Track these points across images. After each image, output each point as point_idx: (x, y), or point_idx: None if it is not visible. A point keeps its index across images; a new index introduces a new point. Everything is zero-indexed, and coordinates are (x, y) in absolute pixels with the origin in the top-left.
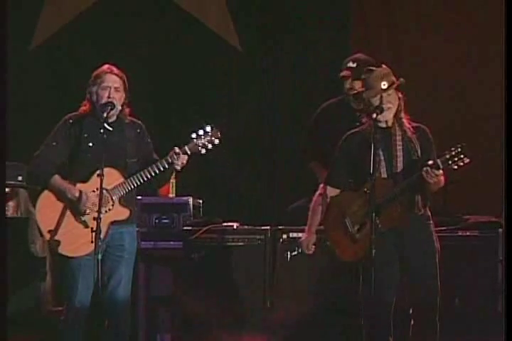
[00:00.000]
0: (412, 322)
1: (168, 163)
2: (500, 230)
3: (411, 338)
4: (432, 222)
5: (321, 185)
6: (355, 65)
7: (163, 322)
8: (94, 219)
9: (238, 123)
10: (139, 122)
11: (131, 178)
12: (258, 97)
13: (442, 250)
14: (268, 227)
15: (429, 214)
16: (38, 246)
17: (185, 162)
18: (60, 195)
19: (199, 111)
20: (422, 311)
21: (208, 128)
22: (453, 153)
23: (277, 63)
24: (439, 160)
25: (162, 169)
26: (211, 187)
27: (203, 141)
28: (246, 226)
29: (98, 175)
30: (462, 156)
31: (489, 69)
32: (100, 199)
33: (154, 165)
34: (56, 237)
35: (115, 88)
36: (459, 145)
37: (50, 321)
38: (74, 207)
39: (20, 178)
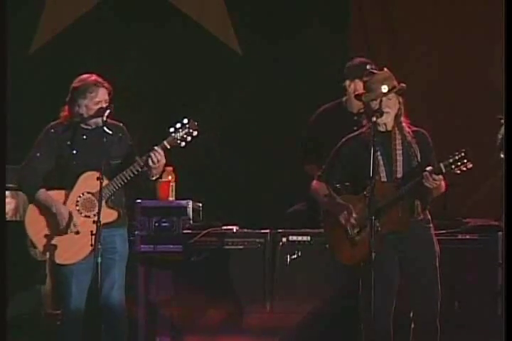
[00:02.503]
0: (413, 325)
1: (147, 160)
2: (500, 233)
3: None
4: (431, 225)
5: (314, 182)
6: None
7: (163, 325)
8: (84, 223)
9: (238, 125)
10: (121, 125)
11: (115, 179)
12: (258, 100)
13: (442, 253)
14: (268, 231)
15: (429, 217)
16: (37, 249)
17: (160, 157)
18: (45, 209)
19: (198, 114)
20: (422, 314)
21: (185, 121)
22: (456, 157)
23: (277, 66)
24: (441, 164)
25: (142, 167)
26: (211, 190)
27: (181, 133)
28: (245, 230)
29: (98, 179)
30: (465, 161)
31: (489, 72)
32: (100, 200)
33: (136, 164)
34: (48, 247)
35: (105, 101)
36: (463, 150)
37: (50, 324)
38: (59, 222)
39: None
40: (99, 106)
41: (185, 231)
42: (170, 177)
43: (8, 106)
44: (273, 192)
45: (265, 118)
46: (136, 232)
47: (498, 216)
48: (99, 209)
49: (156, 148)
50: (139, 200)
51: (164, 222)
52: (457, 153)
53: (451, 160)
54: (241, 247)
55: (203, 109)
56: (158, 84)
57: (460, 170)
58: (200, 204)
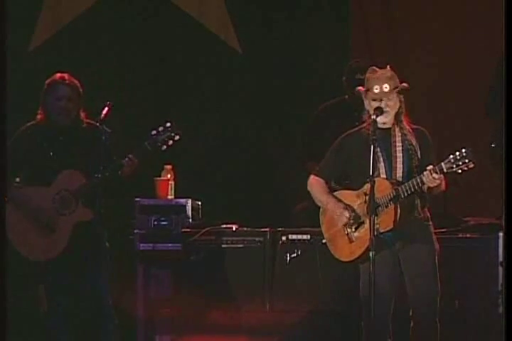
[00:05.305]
0: (412, 324)
1: (123, 162)
2: (501, 232)
3: (411, 340)
4: (431, 223)
5: (311, 177)
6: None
7: (162, 324)
8: (60, 220)
9: (238, 124)
10: (97, 124)
11: (93, 179)
12: (258, 99)
13: (442, 252)
14: (267, 229)
15: (429, 215)
16: None
17: (134, 162)
18: (20, 207)
19: (198, 112)
20: (422, 313)
21: (168, 124)
22: (458, 157)
23: (277, 65)
24: (443, 164)
25: (121, 167)
26: (210, 189)
27: (162, 137)
28: (245, 228)
29: (95, 177)
30: (467, 161)
31: (490, 72)
32: (97, 199)
33: (115, 164)
34: (23, 244)
35: (68, 97)
36: (464, 150)
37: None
38: (35, 219)
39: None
40: (62, 102)
41: (184, 230)
42: (169, 176)
43: (8, 105)
44: (273, 191)
45: (265, 117)
46: (135, 231)
47: (498, 215)
48: (99, 206)
49: (136, 149)
50: (137, 198)
51: (163, 221)
52: (458, 153)
53: (452, 160)
54: (240, 246)
55: (202, 108)
56: (157, 82)
57: (461, 169)
58: (200, 203)
